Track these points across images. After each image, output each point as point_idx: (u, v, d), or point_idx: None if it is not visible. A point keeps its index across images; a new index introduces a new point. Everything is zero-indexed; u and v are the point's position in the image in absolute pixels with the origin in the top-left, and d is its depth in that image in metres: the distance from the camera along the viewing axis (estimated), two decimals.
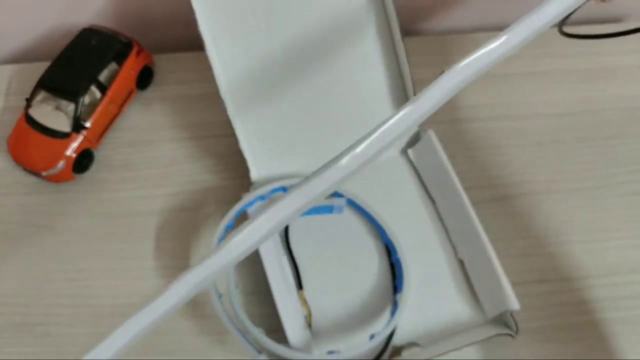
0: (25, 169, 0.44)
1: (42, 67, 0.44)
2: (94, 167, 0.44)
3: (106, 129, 0.45)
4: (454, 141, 0.45)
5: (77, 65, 0.44)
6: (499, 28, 0.58)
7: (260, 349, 0.34)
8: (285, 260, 0.38)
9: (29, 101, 0.44)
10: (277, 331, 0.36)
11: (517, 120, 0.47)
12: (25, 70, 0.50)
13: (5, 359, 0.37)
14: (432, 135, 0.41)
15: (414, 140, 0.43)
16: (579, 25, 0.52)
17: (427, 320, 0.37)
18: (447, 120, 0.46)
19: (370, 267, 0.39)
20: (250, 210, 0.39)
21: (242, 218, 0.39)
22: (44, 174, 0.42)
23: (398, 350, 0.35)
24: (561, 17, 0.24)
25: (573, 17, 0.55)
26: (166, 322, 0.38)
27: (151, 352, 0.37)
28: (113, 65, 0.45)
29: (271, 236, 0.21)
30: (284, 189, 0.39)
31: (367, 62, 0.41)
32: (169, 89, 0.49)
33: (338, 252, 0.39)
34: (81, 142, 0.43)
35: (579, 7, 0.25)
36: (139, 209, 0.42)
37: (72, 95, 0.42)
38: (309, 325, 0.36)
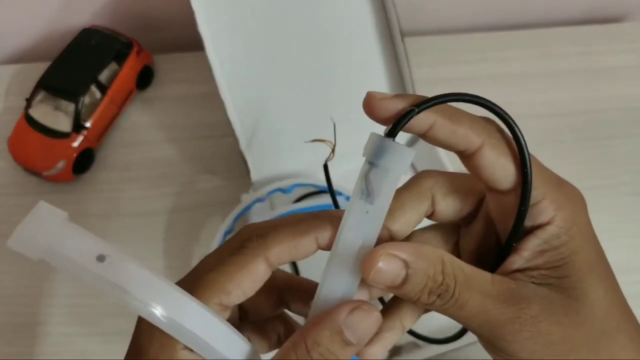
0: (25, 169, 0.44)
1: (42, 67, 0.44)
2: (94, 167, 0.45)
3: (106, 129, 0.45)
4: None
5: (77, 65, 0.44)
6: (496, 28, 0.58)
7: None
8: None
9: (29, 101, 0.44)
10: None
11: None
12: (26, 71, 0.50)
13: (5, 359, 0.38)
14: None
15: (414, 140, 0.43)
16: (579, 25, 0.52)
17: (426, 320, 0.37)
18: None
19: None
20: (250, 212, 0.39)
21: (241, 221, 0.39)
22: (44, 174, 0.42)
23: (397, 350, 0.35)
24: None
25: (575, 16, 0.55)
26: None
27: None
28: (113, 65, 0.45)
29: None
30: (282, 190, 0.39)
31: (366, 62, 0.41)
32: (169, 89, 0.49)
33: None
34: (81, 142, 0.43)
35: None
36: (139, 209, 0.42)
37: (72, 95, 0.42)
38: None
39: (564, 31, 0.51)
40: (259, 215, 0.39)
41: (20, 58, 0.53)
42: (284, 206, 0.39)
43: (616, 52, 0.50)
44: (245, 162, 0.40)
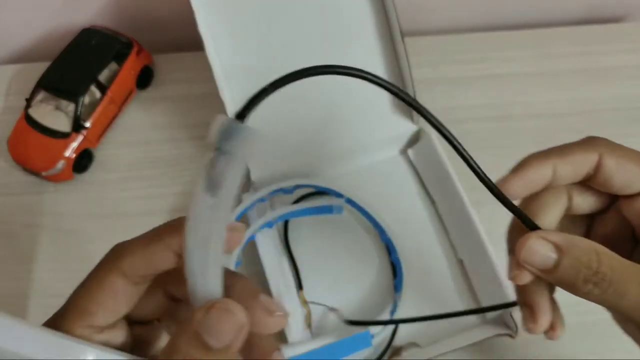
0: (25, 169, 0.44)
1: (42, 67, 0.44)
2: (93, 167, 0.44)
3: (106, 129, 0.45)
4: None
5: (77, 65, 0.44)
6: (497, 28, 0.58)
7: None
8: (284, 260, 0.38)
9: (28, 101, 0.44)
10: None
11: (517, 120, 0.46)
12: (26, 70, 0.50)
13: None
14: (431, 135, 0.41)
15: (414, 140, 0.43)
16: (579, 25, 0.52)
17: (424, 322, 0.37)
18: (447, 120, 0.46)
19: (370, 266, 0.39)
20: (250, 212, 0.39)
21: (242, 221, 0.38)
22: (43, 174, 0.42)
23: (398, 351, 0.35)
24: None
25: (575, 16, 0.55)
26: None
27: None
28: (113, 65, 0.45)
29: None
30: (284, 191, 0.39)
31: (366, 62, 0.41)
32: (168, 89, 0.48)
33: (338, 252, 0.39)
34: (81, 142, 0.43)
35: None
36: (139, 209, 0.42)
37: (72, 95, 0.42)
38: (309, 325, 0.36)
39: (564, 31, 0.51)
40: (260, 214, 0.38)
41: (20, 58, 0.53)
42: (284, 206, 0.39)
43: (616, 52, 0.50)
44: None
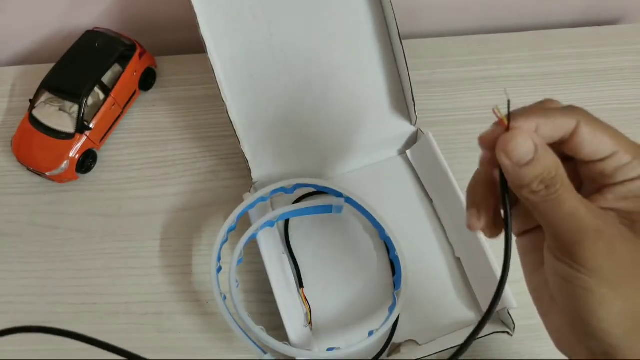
0: (29, 169, 0.44)
1: (45, 68, 0.45)
2: (97, 168, 0.45)
3: (109, 129, 0.46)
4: (452, 142, 0.45)
5: (81, 67, 0.44)
6: (494, 31, 0.58)
7: (265, 349, 0.34)
8: (285, 258, 0.38)
9: (32, 102, 0.44)
10: (277, 329, 0.36)
11: None
12: (29, 72, 0.50)
13: (8, 358, 0.38)
14: (429, 136, 0.42)
15: (412, 141, 0.43)
16: (576, 27, 0.53)
17: (425, 317, 0.37)
18: (445, 122, 0.47)
19: (370, 264, 0.39)
20: (251, 212, 0.40)
21: (244, 219, 0.39)
22: (47, 174, 0.43)
23: (396, 348, 0.36)
24: None
25: (571, 18, 0.56)
26: (171, 319, 0.39)
27: (158, 349, 0.38)
28: (116, 67, 0.45)
29: None
30: (285, 190, 0.40)
31: (365, 64, 0.41)
32: (171, 90, 0.49)
33: (338, 251, 0.40)
34: (84, 143, 0.43)
35: None
36: (142, 209, 0.43)
37: (76, 96, 0.43)
38: (309, 322, 0.37)
39: (560, 33, 0.52)
40: (261, 214, 0.39)
41: (24, 59, 0.54)
42: (285, 206, 0.39)
43: (612, 53, 0.51)
44: (246, 162, 0.40)
